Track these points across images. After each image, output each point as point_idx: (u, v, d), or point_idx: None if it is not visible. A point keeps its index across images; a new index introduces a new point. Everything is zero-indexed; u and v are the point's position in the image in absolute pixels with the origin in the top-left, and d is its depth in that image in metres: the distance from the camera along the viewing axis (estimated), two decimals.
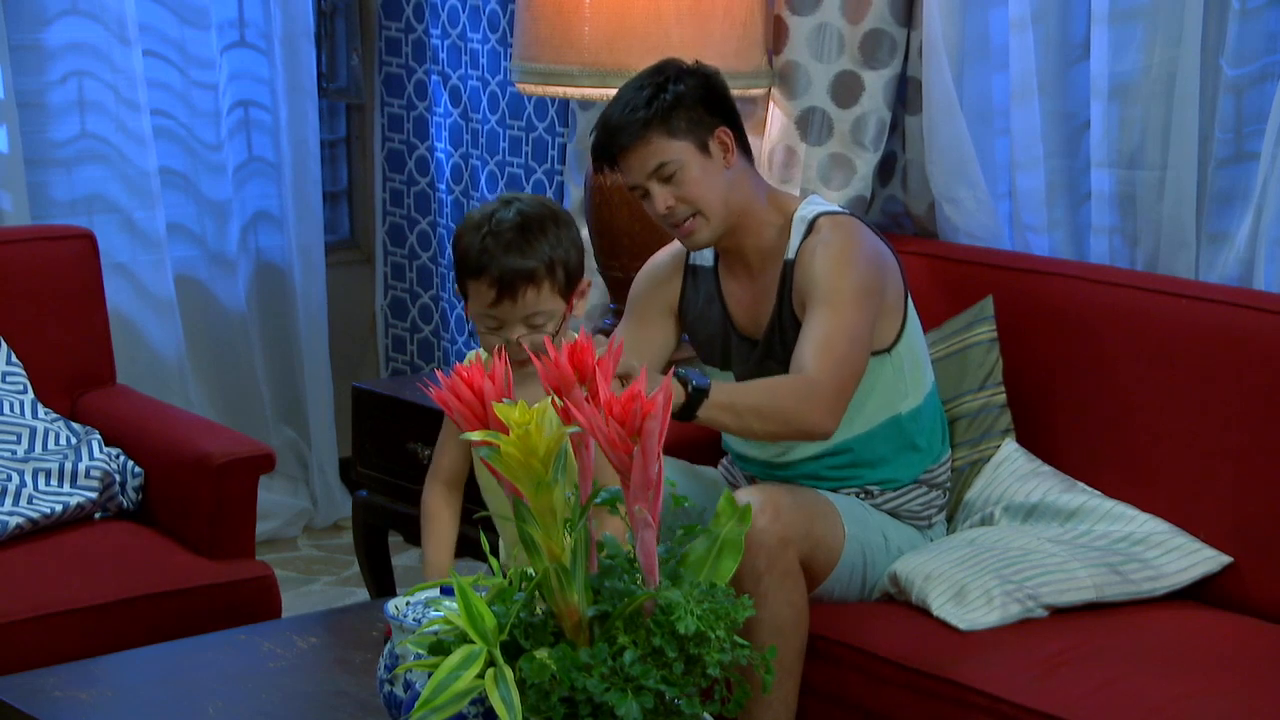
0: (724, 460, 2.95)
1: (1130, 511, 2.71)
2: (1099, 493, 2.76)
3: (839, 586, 2.66)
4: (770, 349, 2.73)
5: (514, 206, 2.43)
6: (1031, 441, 2.88)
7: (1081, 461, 2.82)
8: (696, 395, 2.43)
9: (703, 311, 2.83)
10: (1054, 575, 2.58)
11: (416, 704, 1.78)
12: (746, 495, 2.55)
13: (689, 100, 2.64)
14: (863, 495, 2.76)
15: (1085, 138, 3.08)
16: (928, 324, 2.87)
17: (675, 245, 2.87)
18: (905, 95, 3.35)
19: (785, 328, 2.70)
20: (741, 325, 2.78)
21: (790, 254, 2.69)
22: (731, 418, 2.49)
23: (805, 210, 2.71)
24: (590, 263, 3.57)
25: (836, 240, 2.65)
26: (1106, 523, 2.69)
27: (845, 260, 2.62)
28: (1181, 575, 2.63)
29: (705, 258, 2.83)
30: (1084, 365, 2.85)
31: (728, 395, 2.49)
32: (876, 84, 3.30)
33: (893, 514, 2.76)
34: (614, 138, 2.63)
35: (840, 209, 2.75)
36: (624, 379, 2.27)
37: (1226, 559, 2.63)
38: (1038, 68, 3.07)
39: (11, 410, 3.11)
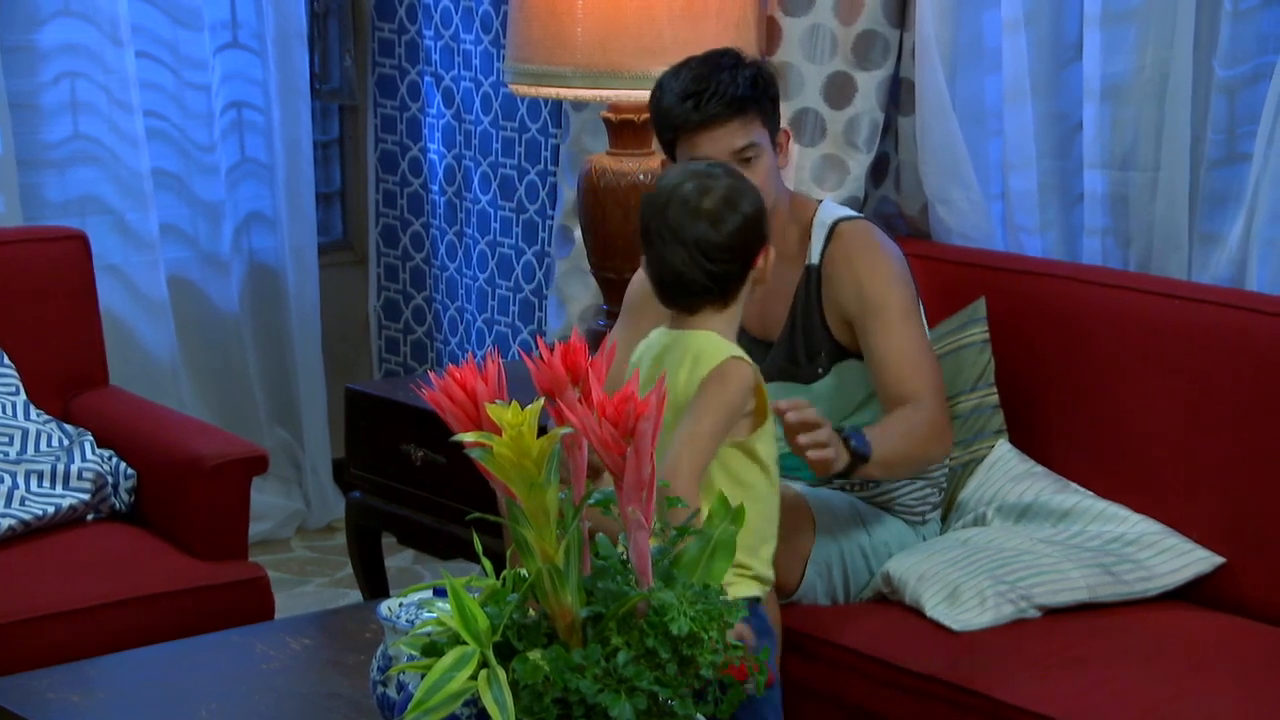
0: None
1: (1123, 512, 2.71)
2: (1091, 493, 2.76)
3: (819, 582, 2.66)
4: (790, 353, 2.72)
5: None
6: (1024, 442, 2.88)
7: (1074, 462, 2.82)
8: (857, 461, 2.42)
9: None
10: (1047, 576, 2.58)
11: (409, 705, 1.78)
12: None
13: (775, 94, 2.66)
14: (858, 488, 2.76)
15: (1078, 139, 3.08)
16: None
17: None
18: (898, 96, 3.35)
19: (810, 331, 2.71)
20: (750, 328, 2.76)
21: (813, 259, 2.71)
22: (883, 471, 2.53)
23: (824, 215, 2.73)
24: (583, 264, 3.59)
25: (870, 250, 2.67)
26: (1099, 523, 2.69)
27: (888, 272, 2.65)
28: (1174, 576, 2.63)
29: None
30: (1077, 366, 2.85)
31: (881, 453, 2.46)
32: (869, 85, 3.31)
33: (885, 507, 2.77)
34: (709, 105, 2.58)
35: (857, 214, 2.78)
36: (807, 426, 2.26)
37: (1218, 559, 2.63)
38: (1030, 69, 3.08)
39: (3, 412, 3.11)
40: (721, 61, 2.63)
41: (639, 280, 2.89)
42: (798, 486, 2.72)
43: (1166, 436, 2.73)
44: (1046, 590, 2.57)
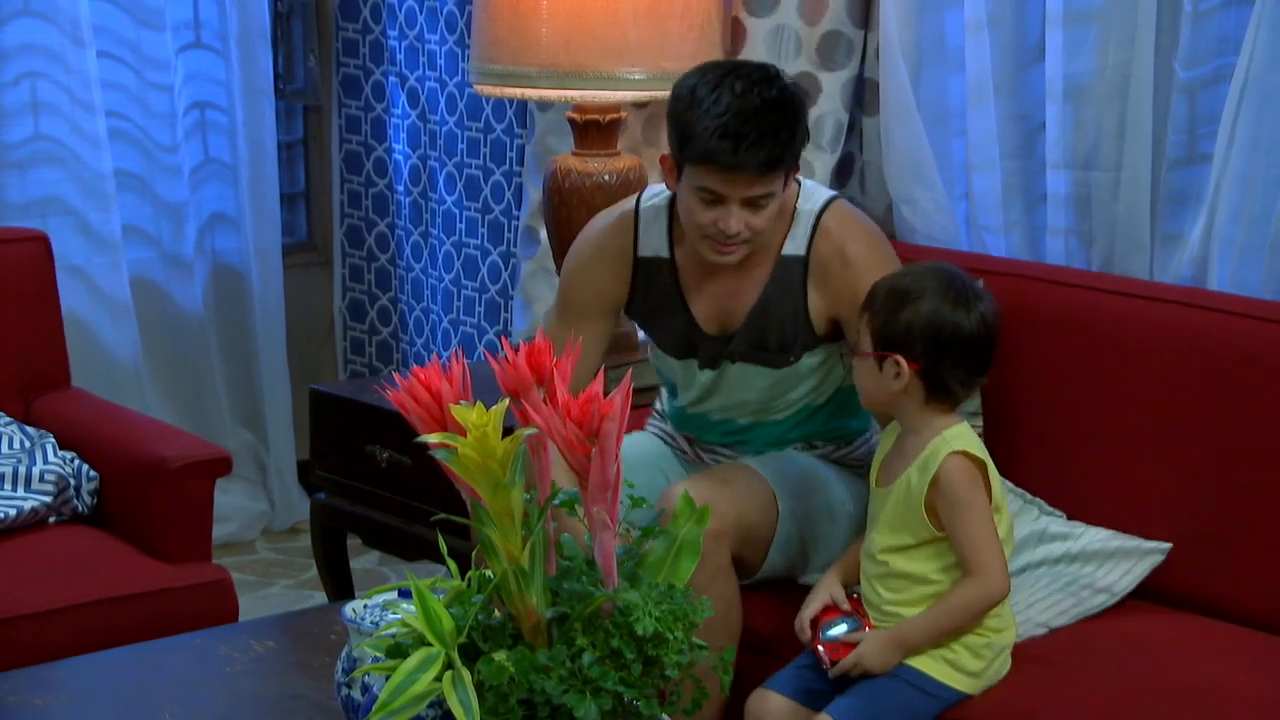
0: (653, 420, 2.90)
1: (1066, 528, 2.69)
2: (1040, 503, 2.74)
3: (780, 559, 2.65)
4: (760, 338, 2.64)
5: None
6: (988, 441, 2.87)
7: (1037, 460, 2.83)
8: None
9: (658, 307, 2.72)
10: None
11: (374, 707, 1.78)
12: (678, 490, 2.54)
13: (806, 140, 2.55)
14: (815, 448, 2.75)
15: (1040, 139, 3.10)
16: None
17: (617, 235, 2.71)
18: (862, 97, 3.36)
19: (785, 320, 2.63)
20: (706, 323, 2.69)
21: (797, 250, 2.62)
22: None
23: (806, 203, 2.64)
24: (549, 264, 3.58)
25: (870, 244, 2.64)
26: (1046, 544, 2.68)
27: (892, 262, 2.62)
28: (1125, 579, 2.63)
29: (660, 249, 2.70)
30: (1040, 365, 2.86)
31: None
32: (834, 85, 3.32)
33: (841, 462, 2.76)
34: (744, 155, 2.44)
35: (835, 193, 2.70)
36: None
37: (1165, 546, 2.63)
38: (993, 69, 3.09)
39: None
40: (767, 97, 2.46)
41: (579, 274, 2.73)
42: (752, 463, 2.68)
43: (1129, 435, 2.74)
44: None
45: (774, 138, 2.46)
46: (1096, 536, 2.66)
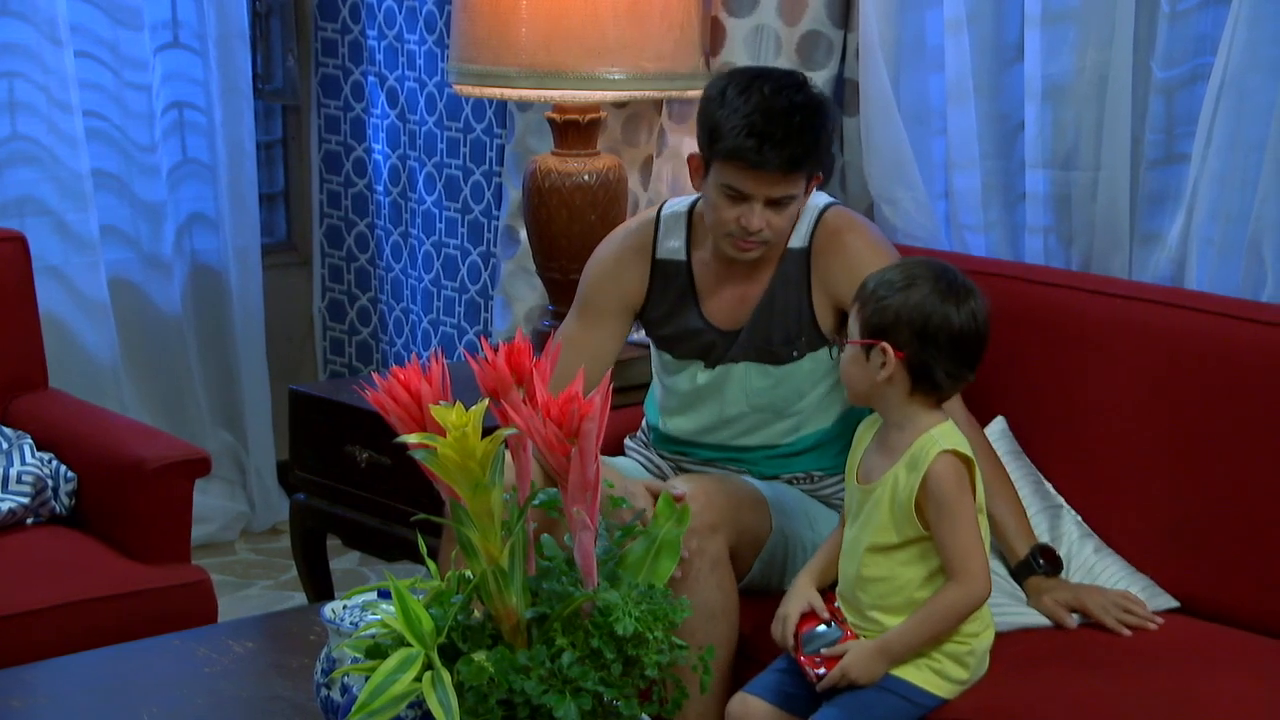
0: (632, 444, 2.93)
1: (1092, 547, 2.70)
2: (1058, 500, 2.75)
3: (759, 571, 2.67)
4: (765, 334, 2.70)
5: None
6: None
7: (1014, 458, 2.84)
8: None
9: (673, 308, 2.78)
10: (1010, 608, 2.57)
11: (353, 708, 1.77)
12: (677, 483, 2.57)
13: (829, 144, 2.64)
14: (805, 480, 2.77)
15: (1020, 139, 3.11)
16: None
17: (638, 237, 2.80)
18: (843, 97, 3.36)
19: (790, 313, 2.69)
20: (718, 320, 2.75)
21: (800, 241, 2.70)
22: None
23: (812, 202, 2.71)
24: (529, 264, 3.58)
25: (865, 241, 2.68)
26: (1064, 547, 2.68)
27: (888, 262, 2.63)
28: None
29: (677, 251, 2.78)
30: (1019, 364, 2.86)
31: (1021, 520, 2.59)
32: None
33: (826, 501, 2.77)
34: (769, 153, 2.52)
35: (837, 200, 2.79)
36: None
37: (1174, 603, 2.63)
38: (973, 69, 3.10)
39: None
40: (794, 100, 2.55)
41: (601, 271, 2.81)
42: (753, 481, 2.72)
43: (1108, 433, 2.75)
44: (1007, 621, 2.56)
45: (798, 138, 2.55)
46: (1118, 571, 2.65)
